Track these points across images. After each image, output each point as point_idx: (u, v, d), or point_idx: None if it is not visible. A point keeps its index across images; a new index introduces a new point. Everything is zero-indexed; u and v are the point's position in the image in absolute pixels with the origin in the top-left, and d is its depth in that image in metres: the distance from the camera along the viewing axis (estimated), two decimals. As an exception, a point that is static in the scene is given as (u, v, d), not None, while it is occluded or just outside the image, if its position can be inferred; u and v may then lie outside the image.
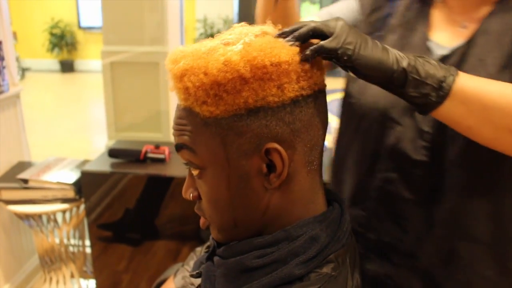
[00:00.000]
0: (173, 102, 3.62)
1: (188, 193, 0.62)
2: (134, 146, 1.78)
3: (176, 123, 0.58)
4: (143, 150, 1.70)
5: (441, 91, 0.59)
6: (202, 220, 0.64)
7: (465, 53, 0.71)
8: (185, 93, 0.55)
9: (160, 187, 1.70)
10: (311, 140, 0.57)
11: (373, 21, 0.82)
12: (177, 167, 1.70)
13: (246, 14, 9.14)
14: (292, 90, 0.54)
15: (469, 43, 0.71)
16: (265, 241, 0.58)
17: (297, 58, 0.55)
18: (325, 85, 0.60)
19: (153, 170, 1.67)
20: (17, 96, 1.98)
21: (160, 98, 3.38)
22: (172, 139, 0.62)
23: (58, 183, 1.74)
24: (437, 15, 0.77)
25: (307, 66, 0.56)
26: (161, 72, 3.34)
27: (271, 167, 0.55)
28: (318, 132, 0.58)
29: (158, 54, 3.34)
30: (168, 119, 3.41)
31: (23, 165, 1.94)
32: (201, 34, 7.42)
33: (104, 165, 1.70)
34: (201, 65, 0.53)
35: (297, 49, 0.56)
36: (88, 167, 1.71)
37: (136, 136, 3.31)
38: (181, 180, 1.63)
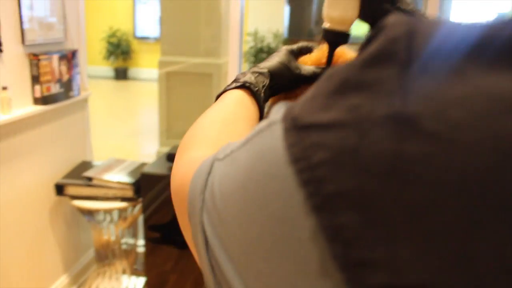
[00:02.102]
0: (223, 112, 3.74)
1: None
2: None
3: None
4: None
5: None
6: None
7: None
8: None
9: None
10: None
11: None
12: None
13: (296, 29, 9.27)
14: None
15: None
16: None
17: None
18: None
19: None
20: (85, 101, 2.14)
21: (211, 108, 3.51)
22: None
23: (119, 182, 1.87)
24: None
25: None
26: (214, 83, 3.48)
27: None
28: None
29: (212, 66, 3.49)
30: (217, 129, 3.54)
31: (85, 165, 2.08)
32: (251, 47, 7.59)
33: (162, 168, 1.82)
34: None
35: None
36: (148, 169, 1.83)
37: (186, 144, 3.44)
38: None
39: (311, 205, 0.21)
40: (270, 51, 8.22)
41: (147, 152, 4.63)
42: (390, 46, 0.21)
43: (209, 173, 0.32)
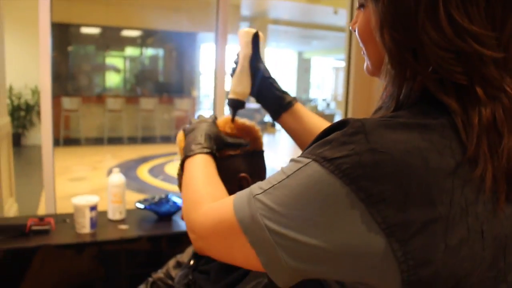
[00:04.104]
0: None
1: None
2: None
3: None
4: (28, 223, 1.76)
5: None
6: None
7: None
8: None
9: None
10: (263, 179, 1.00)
11: None
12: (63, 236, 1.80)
13: (54, 83, 8.88)
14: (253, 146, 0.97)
15: None
16: None
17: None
18: (261, 149, 1.00)
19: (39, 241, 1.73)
20: None
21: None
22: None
23: None
24: None
25: (255, 135, 0.97)
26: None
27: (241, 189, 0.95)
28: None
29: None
30: None
31: None
32: (7, 105, 6.99)
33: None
34: None
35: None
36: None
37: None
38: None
39: (345, 183, 0.50)
40: (28, 108, 7.69)
41: None
42: (357, 129, 0.52)
43: (251, 203, 0.57)
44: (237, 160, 0.94)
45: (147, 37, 10.74)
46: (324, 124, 1.02)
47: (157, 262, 1.91)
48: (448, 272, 0.50)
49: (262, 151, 1.00)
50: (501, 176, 0.52)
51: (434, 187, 0.49)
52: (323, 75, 19.65)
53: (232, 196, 0.63)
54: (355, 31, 0.68)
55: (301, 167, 0.54)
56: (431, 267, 0.49)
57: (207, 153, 0.86)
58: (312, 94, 18.23)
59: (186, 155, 0.87)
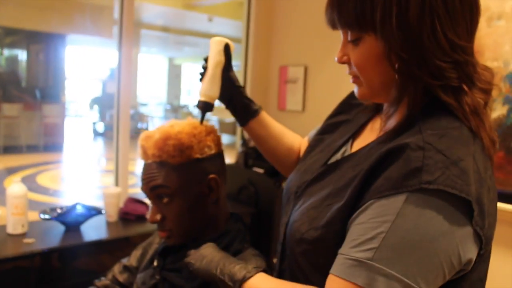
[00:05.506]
0: None
1: (155, 217, 0.98)
2: None
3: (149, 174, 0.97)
4: None
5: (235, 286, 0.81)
6: (162, 234, 1.00)
7: (335, 167, 0.83)
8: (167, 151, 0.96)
9: None
10: (225, 178, 1.05)
11: (329, 124, 1.00)
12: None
13: None
14: (214, 148, 1.01)
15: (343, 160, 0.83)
16: (217, 235, 1.01)
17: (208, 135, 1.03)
18: (222, 150, 1.07)
19: None
20: None
21: None
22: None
23: None
24: (370, 125, 0.88)
25: (215, 138, 1.03)
26: None
27: (211, 189, 1.00)
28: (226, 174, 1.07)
29: None
30: None
31: None
32: None
33: None
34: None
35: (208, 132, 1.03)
36: None
37: None
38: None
39: (449, 193, 0.61)
40: None
41: None
42: (433, 150, 0.63)
43: (369, 268, 0.62)
44: (204, 162, 0.98)
45: (6, 36, 9.75)
46: (286, 131, 1.12)
47: (72, 273, 1.83)
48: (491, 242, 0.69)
49: (222, 151, 1.05)
50: (489, 142, 0.70)
51: (486, 177, 0.66)
52: (194, 82, 19.74)
53: (333, 278, 0.65)
54: (343, 63, 0.77)
55: (401, 201, 0.62)
56: (491, 243, 0.68)
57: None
58: (183, 101, 18.20)
59: (240, 281, 0.80)
